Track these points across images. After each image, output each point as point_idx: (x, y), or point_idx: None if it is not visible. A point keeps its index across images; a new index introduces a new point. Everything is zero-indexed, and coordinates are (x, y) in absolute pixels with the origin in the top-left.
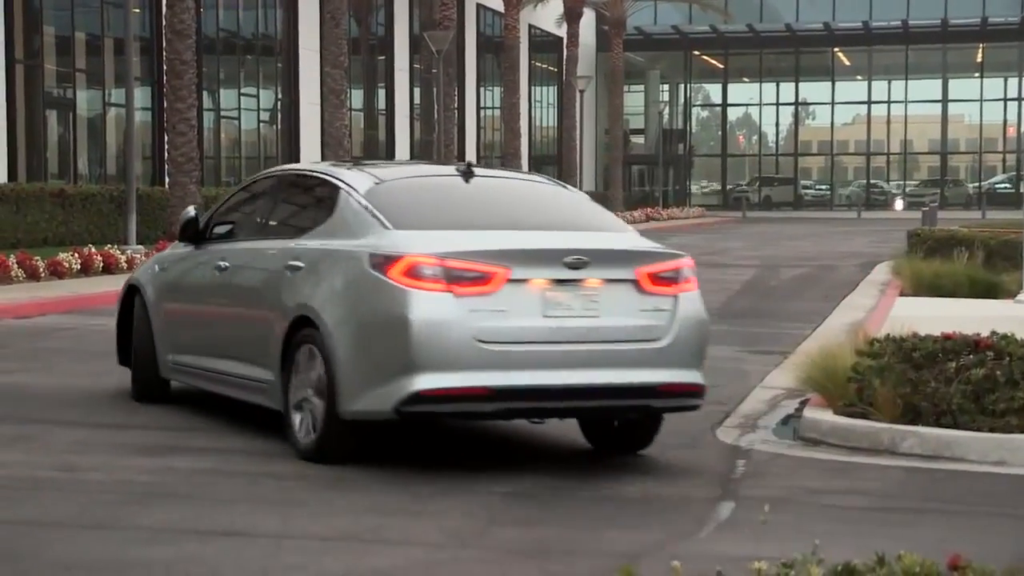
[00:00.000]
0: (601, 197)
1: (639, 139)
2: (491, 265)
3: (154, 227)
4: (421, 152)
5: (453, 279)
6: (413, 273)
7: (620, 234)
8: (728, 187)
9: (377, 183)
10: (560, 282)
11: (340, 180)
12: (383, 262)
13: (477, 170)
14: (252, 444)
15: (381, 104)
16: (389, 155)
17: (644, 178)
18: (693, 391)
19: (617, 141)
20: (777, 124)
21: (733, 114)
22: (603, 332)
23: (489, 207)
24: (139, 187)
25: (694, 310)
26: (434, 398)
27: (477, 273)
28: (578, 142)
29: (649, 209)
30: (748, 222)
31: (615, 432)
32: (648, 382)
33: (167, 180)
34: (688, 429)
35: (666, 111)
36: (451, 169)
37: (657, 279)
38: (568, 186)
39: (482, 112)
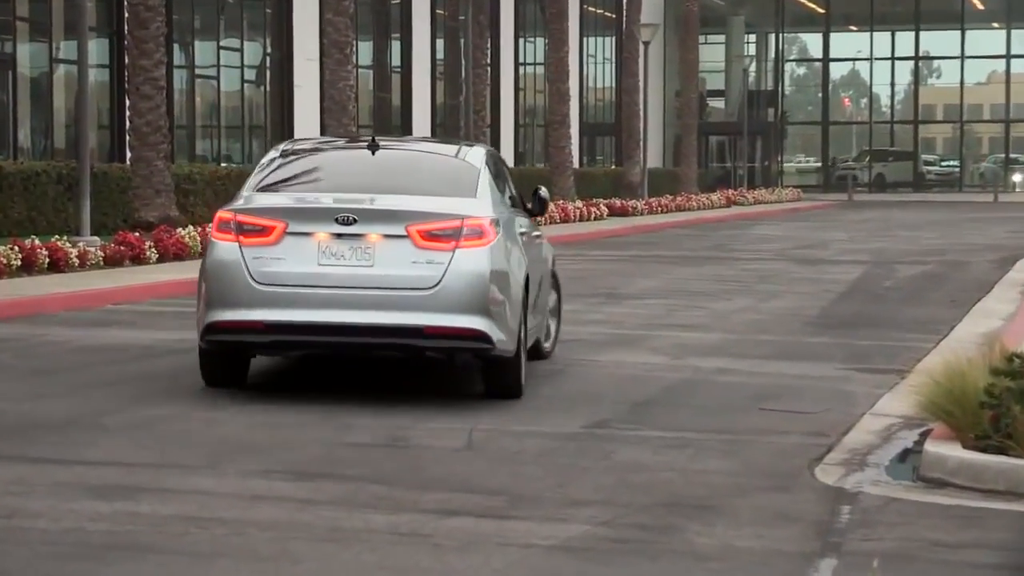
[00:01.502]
0: (670, 176)
1: (718, 103)
2: (271, 220)
3: (113, 214)
4: (446, 119)
5: (241, 231)
6: (218, 227)
7: (446, 199)
8: (830, 163)
9: (280, 154)
10: (340, 236)
11: (268, 151)
12: (216, 218)
13: (383, 142)
14: (233, 484)
15: (395, 60)
16: (405, 123)
17: (725, 152)
18: (465, 334)
19: (691, 106)
20: (892, 84)
21: (836, 71)
22: (375, 279)
23: (351, 175)
24: (94, 164)
25: (473, 264)
26: (223, 330)
27: (258, 226)
28: (641, 107)
29: (731, 191)
30: (855, 207)
31: (484, 376)
32: (414, 323)
33: (128, 155)
34: (780, 467)
35: (752, 68)
36: (364, 144)
37: (430, 236)
38: (468, 158)
39: (521, 70)
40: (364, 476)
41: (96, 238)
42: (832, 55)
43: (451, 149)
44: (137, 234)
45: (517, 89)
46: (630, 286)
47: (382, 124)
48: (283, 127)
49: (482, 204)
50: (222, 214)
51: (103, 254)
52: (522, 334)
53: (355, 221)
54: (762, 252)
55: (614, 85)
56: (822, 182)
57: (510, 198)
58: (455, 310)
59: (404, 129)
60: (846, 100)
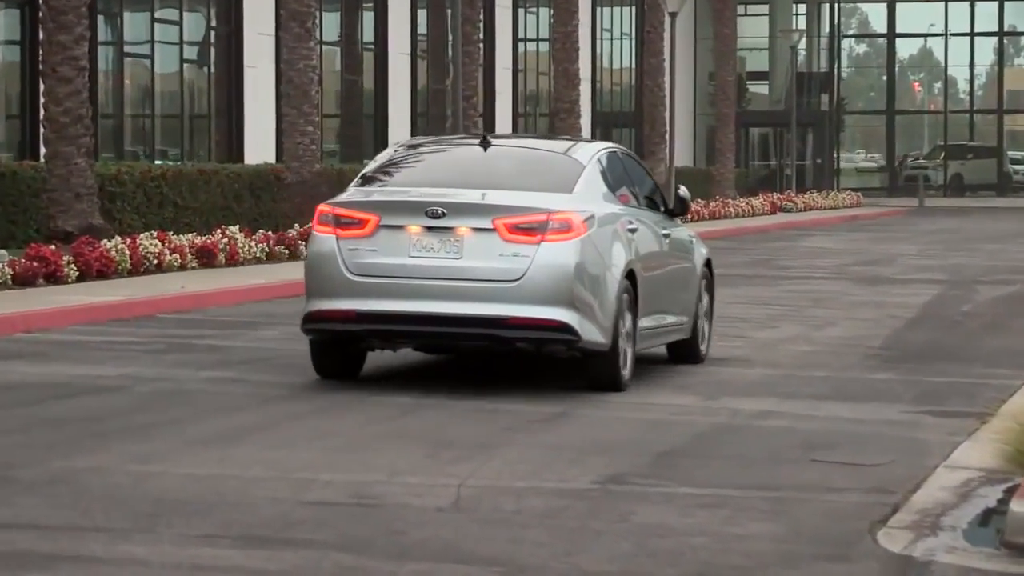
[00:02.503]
0: (702, 176)
1: (761, 88)
2: (365, 213)
3: (24, 222)
4: (430, 107)
5: (339, 224)
6: (319, 219)
7: (538, 194)
8: (897, 162)
9: (395, 149)
10: (430, 228)
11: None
12: (316, 211)
13: (495, 139)
14: (170, 551)
15: (368, 35)
16: (380, 110)
17: (769, 147)
18: (549, 325)
19: (727, 91)
20: (971, 65)
21: (904, 49)
22: (463, 271)
23: (455, 171)
24: (0, 162)
25: (558, 257)
26: (319, 319)
27: (353, 219)
28: (667, 92)
29: (776, 195)
30: (927, 213)
31: (582, 369)
32: (498, 314)
33: (43, 151)
34: (835, 531)
35: (802, 45)
36: (476, 140)
37: (516, 229)
38: (576, 154)
39: (521, 47)
40: (328, 542)
41: (3, 252)
42: (899, 30)
43: (562, 146)
44: (53, 247)
45: (516, 71)
46: None
47: (352, 112)
48: (231, 116)
49: (577, 200)
50: (322, 207)
51: (11, 271)
52: (620, 330)
53: (444, 214)
54: (814, 269)
55: (634, 66)
56: (887, 184)
57: (644, 197)
58: (539, 302)
59: (378, 119)
60: (916, 85)
